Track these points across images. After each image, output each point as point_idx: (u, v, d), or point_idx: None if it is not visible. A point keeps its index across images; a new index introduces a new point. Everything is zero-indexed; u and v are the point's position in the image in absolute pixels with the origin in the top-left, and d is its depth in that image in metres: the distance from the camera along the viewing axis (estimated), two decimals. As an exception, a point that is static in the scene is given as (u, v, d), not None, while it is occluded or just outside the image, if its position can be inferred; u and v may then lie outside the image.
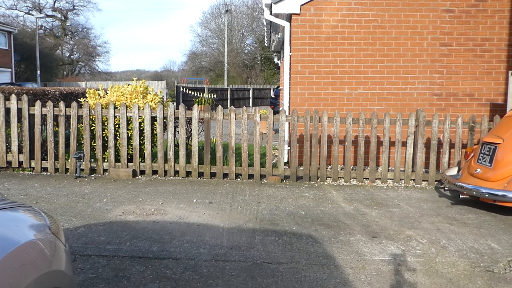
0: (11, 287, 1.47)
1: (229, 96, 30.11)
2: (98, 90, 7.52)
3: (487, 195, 5.01)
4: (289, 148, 7.84)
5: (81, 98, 7.92)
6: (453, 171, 6.14)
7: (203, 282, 3.24)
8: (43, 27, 45.54)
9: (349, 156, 6.74)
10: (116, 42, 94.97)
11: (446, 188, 5.79)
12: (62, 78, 44.15)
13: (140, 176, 6.86)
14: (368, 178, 6.82)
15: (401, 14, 7.52)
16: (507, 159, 5.12)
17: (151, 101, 7.27)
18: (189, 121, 7.26)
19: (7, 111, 7.02)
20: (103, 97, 7.35)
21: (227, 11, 42.54)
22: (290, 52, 7.78)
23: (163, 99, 7.96)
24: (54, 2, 46.43)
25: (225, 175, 6.94)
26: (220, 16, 46.60)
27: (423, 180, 6.78)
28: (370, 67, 7.62)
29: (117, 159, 6.96)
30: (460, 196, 5.40)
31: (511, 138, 5.28)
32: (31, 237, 1.80)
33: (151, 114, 6.84)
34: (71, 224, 4.46)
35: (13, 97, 6.91)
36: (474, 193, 5.13)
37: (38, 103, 6.89)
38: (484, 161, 5.43)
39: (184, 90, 25.96)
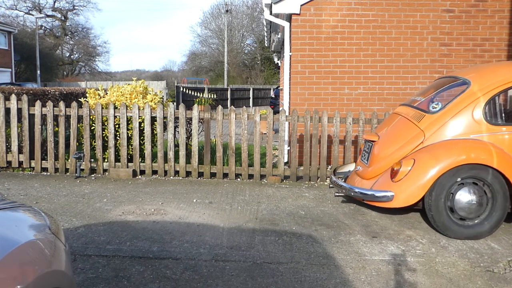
0: (11, 287, 1.47)
1: (229, 96, 30.10)
2: (98, 90, 7.52)
3: (353, 194, 4.81)
4: (289, 148, 7.84)
5: (81, 98, 7.92)
6: (350, 167, 5.83)
7: (203, 282, 3.24)
8: (43, 27, 45.54)
9: (349, 156, 6.74)
10: (116, 42, 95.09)
11: (330, 186, 5.51)
12: (62, 78, 44.16)
13: (140, 176, 6.87)
14: (368, 178, 6.81)
15: (401, 14, 7.53)
16: (380, 157, 4.86)
17: (151, 101, 7.27)
18: (189, 121, 7.26)
19: (7, 111, 7.01)
20: (103, 97, 7.35)
21: (227, 11, 42.53)
22: (290, 52, 7.78)
23: (163, 99, 7.96)
24: (54, 2, 46.46)
25: (225, 175, 6.94)
26: (220, 16, 46.61)
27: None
28: (370, 67, 7.63)
29: (117, 159, 6.96)
30: (335, 194, 5.22)
31: (385, 135, 5.06)
32: (31, 237, 1.80)
33: (151, 114, 6.84)
34: (71, 224, 4.46)
35: (13, 97, 6.91)
36: (344, 191, 4.94)
37: (38, 103, 6.89)
38: (364, 159, 5.22)
39: (184, 90, 25.95)
